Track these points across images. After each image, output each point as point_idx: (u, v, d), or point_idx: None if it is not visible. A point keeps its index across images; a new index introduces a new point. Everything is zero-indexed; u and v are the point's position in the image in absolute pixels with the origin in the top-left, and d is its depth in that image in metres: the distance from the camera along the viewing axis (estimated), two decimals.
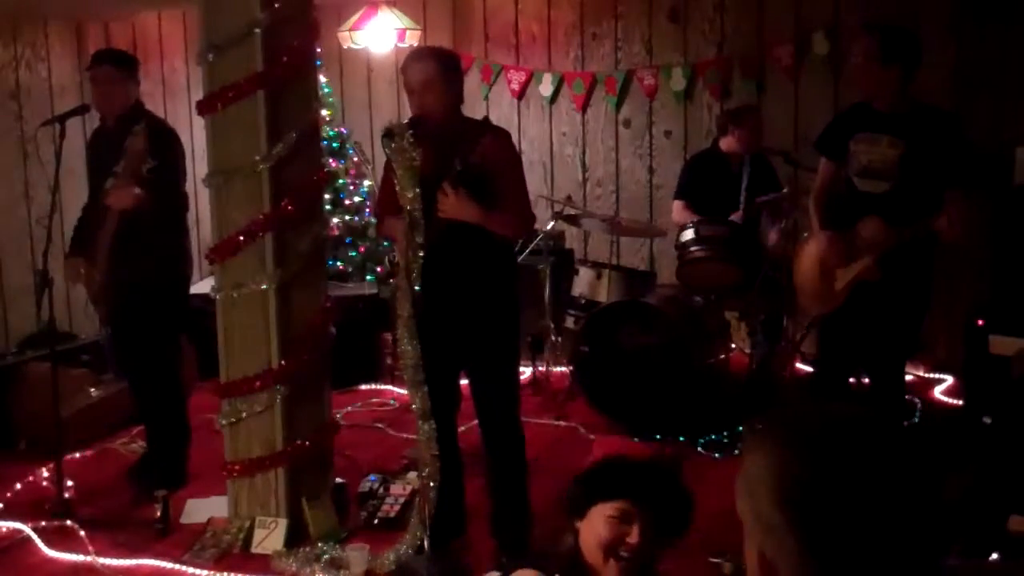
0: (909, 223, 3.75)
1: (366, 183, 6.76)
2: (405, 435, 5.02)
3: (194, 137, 7.11)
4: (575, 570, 2.14)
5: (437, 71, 3.47)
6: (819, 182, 4.13)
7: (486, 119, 3.66)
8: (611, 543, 2.10)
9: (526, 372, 5.79)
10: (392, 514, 4.03)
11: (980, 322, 4.71)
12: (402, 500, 4.08)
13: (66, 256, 4.61)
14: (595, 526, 2.13)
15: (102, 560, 3.78)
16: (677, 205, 5.64)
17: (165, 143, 4.33)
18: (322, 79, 6.30)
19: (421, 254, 3.34)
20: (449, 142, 3.44)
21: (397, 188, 3.31)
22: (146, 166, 4.10)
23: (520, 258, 5.56)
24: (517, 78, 6.76)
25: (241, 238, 3.83)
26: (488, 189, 3.43)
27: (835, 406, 1.17)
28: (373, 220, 6.85)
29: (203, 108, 3.89)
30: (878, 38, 3.80)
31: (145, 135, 4.09)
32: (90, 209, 4.56)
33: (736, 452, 4.62)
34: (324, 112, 6.17)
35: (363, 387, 6.03)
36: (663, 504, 2.14)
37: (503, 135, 3.66)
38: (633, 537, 2.09)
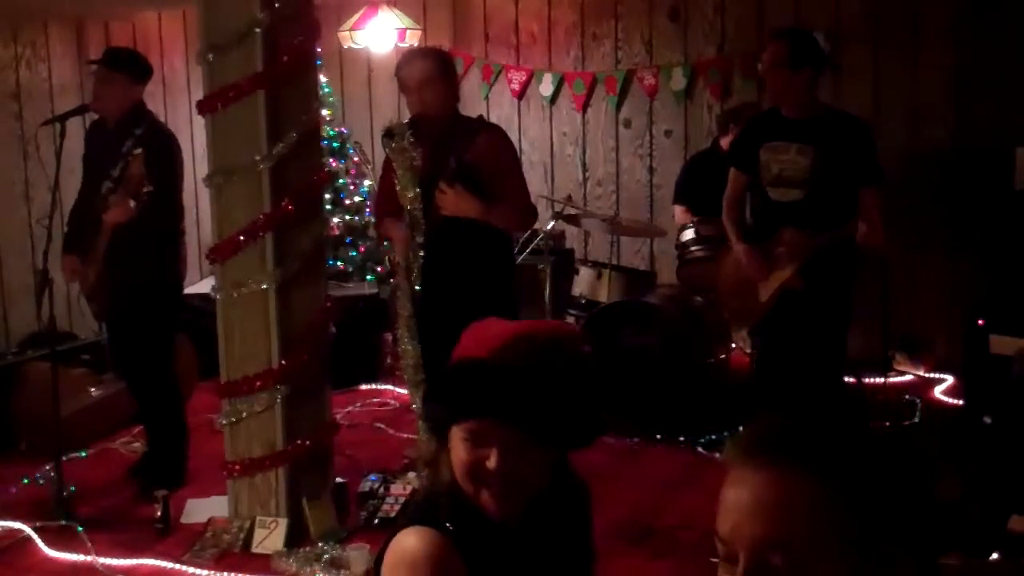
0: (824, 229, 3.77)
1: (366, 183, 6.76)
2: (405, 435, 5.02)
3: (194, 137, 7.11)
4: (461, 508, 1.64)
5: (435, 69, 3.48)
6: (728, 194, 4.15)
7: (480, 117, 3.67)
8: (471, 471, 1.61)
9: None
10: (392, 514, 4.02)
11: (980, 322, 4.71)
12: (402, 500, 4.07)
13: (62, 254, 4.61)
14: (456, 451, 1.64)
15: (102, 560, 3.78)
16: (678, 210, 5.66)
17: (163, 159, 4.31)
18: (322, 79, 6.30)
19: (421, 254, 3.35)
20: (446, 141, 3.45)
21: (397, 188, 3.31)
22: (145, 189, 4.10)
23: (520, 258, 5.57)
24: (517, 78, 6.76)
25: (241, 238, 3.83)
26: (485, 185, 3.44)
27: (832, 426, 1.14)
28: (373, 220, 6.86)
29: (203, 108, 3.89)
30: (787, 42, 3.86)
31: (143, 159, 4.07)
32: (84, 203, 4.56)
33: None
34: (324, 112, 6.17)
35: (363, 387, 6.03)
36: (537, 409, 1.59)
37: (498, 132, 3.67)
38: (491, 462, 1.59)
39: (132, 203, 4.12)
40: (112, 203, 4.19)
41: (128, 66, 4.48)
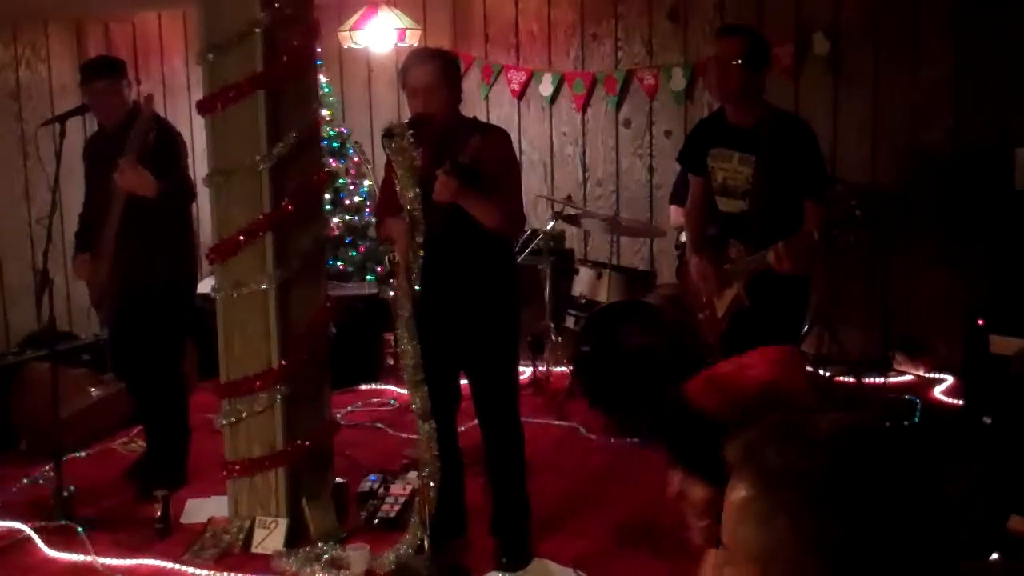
0: (768, 243, 3.59)
1: (366, 183, 6.76)
2: (405, 435, 5.02)
3: (194, 137, 7.11)
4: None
5: (440, 74, 3.47)
6: (690, 200, 4.00)
7: (475, 118, 3.67)
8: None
9: (526, 372, 5.79)
10: (392, 514, 4.03)
11: (980, 322, 4.71)
12: (402, 500, 4.08)
13: (74, 255, 4.61)
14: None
15: (102, 560, 3.78)
16: (674, 210, 5.63)
17: (168, 151, 4.33)
18: (322, 79, 6.30)
19: (421, 254, 3.34)
20: (446, 142, 3.45)
21: (397, 188, 3.31)
22: (151, 136, 4.15)
23: (520, 258, 5.57)
24: (517, 78, 6.76)
25: (241, 238, 3.83)
26: (481, 185, 3.43)
27: (831, 427, 1.11)
28: (374, 220, 6.86)
29: (203, 108, 3.89)
30: (749, 40, 3.67)
31: (154, 126, 4.13)
32: (88, 211, 4.56)
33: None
34: (324, 112, 6.17)
35: (363, 387, 6.03)
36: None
37: (498, 134, 3.66)
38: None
39: (147, 174, 4.12)
40: (122, 167, 4.15)
41: (117, 69, 4.48)
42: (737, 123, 3.73)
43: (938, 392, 5.61)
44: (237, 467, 3.96)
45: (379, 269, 6.59)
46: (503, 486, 3.71)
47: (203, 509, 4.13)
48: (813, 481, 1.03)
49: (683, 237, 5.34)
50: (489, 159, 3.49)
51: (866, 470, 1.04)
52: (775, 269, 3.52)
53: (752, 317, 3.74)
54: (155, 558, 3.80)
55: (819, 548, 1.01)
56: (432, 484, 3.48)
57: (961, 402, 5.13)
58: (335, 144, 6.67)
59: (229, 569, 3.71)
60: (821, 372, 5.55)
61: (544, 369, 5.84)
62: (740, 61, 3.61)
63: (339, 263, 6.60)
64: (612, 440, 5.01)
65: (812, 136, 3.75)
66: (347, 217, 6.70)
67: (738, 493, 1.07)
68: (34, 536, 3.99)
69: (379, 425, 5.38)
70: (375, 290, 6.35)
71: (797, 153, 3.65)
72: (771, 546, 1.03)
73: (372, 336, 6.22)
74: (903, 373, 5.81)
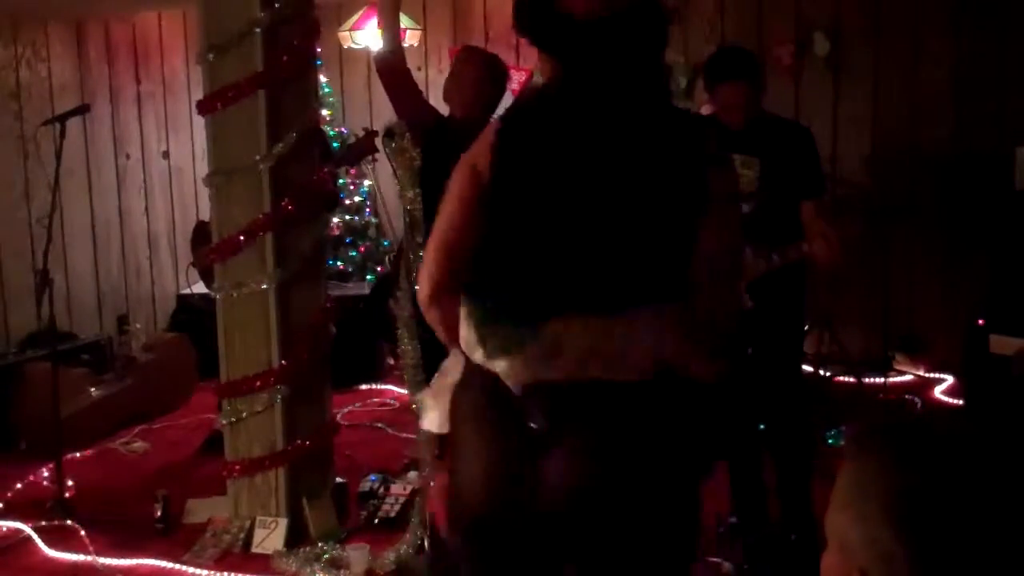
0: (773, 243, 3.56)
1: (366, 183, 6.76)
2: (405, 435, 5.02)
3: (194, 137, 7.11)
4: None
5: (464, 67, 3.53)
6: None
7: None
8: None
9: None
10: (392, 514, 4.03)
11: (980, 322, 4.72)
12: (402, 500, 4.08)
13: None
14: None
15: (102, 560, 3.78)
16: None
17: None
18: (322, 79, 6.29)
19: (421, 254, 3.35)
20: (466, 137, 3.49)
21: (397, 187, 3.32)
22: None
23: None
24: (517, 78, 6.75)
25: (241, 238, 3.83)
26: None
27: (945, 420, 1.11)
28: (373, 220, 6.87)
29: (203, 108, 3.89)
30: (744, 83, 3.57)
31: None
32: None
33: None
34: (324, 112, 6.17)
35: (363, 387, 6.03)
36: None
37: None
38: None
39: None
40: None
41: None
42: (734, 127, 3.63)
43: (938, 392, 5.62)
44: (237, 467, 3.97)
45: (379, 269, 6.59)
46: None
47: (203, 509, 4.13)
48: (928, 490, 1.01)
49: None
50: None
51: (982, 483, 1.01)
52: (819, 259, 3.47)
53: (757, 317, 3.70)
54: (155, 558, 3.80)
55: (918, 556, 0.99)
56: (432, 484, 3.48)
57: (961, 402, 5.13)
58: (335, 144, 6.67)
59: (229, 569, 3.71)
60: (821, 372, 5.55)
61: None
62: (745, 100, 3.57)
63: (339, 263, 6.60)
64: None
65: (810, 136, 3.73)
66: (347, 217, 6.70)
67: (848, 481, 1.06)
68: (34, 536, 3.99)
69: (379, 425, 5.38)
70: None
71: (797, 153, 3.65)
72: (864, 540, 1.02)
73: (372, 336, 6.22)
74: (903, 373, 5.81)
